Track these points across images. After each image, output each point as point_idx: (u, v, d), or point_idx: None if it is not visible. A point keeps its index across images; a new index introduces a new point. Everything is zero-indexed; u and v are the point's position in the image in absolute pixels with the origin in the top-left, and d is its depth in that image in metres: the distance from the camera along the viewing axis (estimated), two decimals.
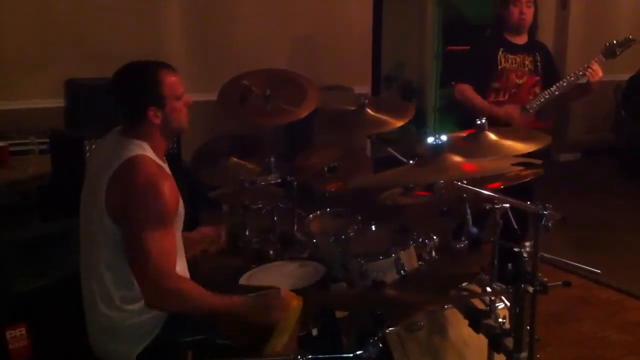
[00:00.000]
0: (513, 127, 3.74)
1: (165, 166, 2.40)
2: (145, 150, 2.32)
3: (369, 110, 3.29)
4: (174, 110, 2.37)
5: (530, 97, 3.93)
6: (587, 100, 7.85)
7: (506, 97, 3.94)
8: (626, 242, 5.31)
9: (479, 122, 2.72)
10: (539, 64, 4.00)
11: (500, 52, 3.93)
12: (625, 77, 7.80)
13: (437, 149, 2.28)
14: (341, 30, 6.68)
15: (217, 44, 6.00)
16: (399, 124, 3.25)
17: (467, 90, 3.94)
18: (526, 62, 3.97)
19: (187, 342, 2.30)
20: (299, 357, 2.11)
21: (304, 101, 3.49)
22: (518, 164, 2.41)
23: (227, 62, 5.58)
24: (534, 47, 4.05)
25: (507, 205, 2.27)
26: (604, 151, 7.98)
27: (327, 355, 2.29)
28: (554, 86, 3.87)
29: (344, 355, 2.42)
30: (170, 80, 2.35)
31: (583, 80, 3.86)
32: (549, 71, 4.07)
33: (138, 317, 2.28)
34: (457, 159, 2.24)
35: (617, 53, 3.87)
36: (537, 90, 3.95)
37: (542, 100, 3.88)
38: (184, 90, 2.42)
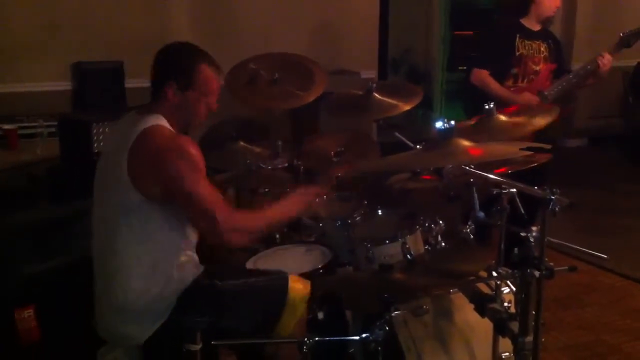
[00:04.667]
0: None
1: None
2: (160, 121, 2.33)
3: (377, 95, 3.29)
4: (195, 101, 2.37)
5: (548, 84, 3.93)
6: (594, 86, 7.89)
7: (524, 82, 3.93)
8: (633, 228, 5.31)
9: (487, 106, 2.72)
10: (552, 51, 4.00)
11: (517, 38, 3.92)
12: (633, 63, 7.77)
13: (445, 133, 2.28)
14: (348, 15, 6.65)
15: (224, 28, 5.99)
16: (407, 107, 3.24)
17: (485, 77, 3.92)
18: (541, 49, 3.96)
19: (196, 325, 2.32)
20: (306, 339, 2.13)
21: (311, 85, 3.48)
22: (526, 149, 2.40)
23: (235, 46, 5.57)
24: (547, 35, 4.05)
25: (515, 190, 2.27)
26: (611, 137, 7.95)
27: (333, 338, 2.31)
28: (571, 74, 3.89)
29: (350, 337, 2.45)
30: (208, 74, 2.37)
31: (593, 68, 3.86)
32: (559, 61, 4.07)
33: (153, 298, 2.30)
34: (465, 143, 2.24)
35: (632, 44, 3.88)
36: (553, 77, 3.96)
37: (560, 87, 3.89)
38: (217, 98, 2.43)
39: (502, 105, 3.70)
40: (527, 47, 3.92)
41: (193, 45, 2.45)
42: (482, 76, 3.93)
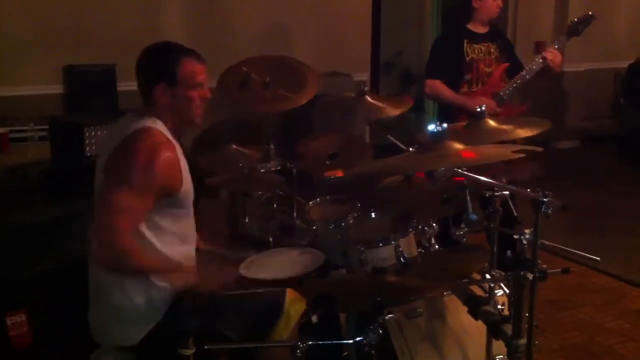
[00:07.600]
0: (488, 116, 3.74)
1: (177, 145, 2.39)
2: (155, 124, 2.33)
3: (369, 98, 3.29)
4: (185, 97, 2.35)
5: (503, 84, 3.93)
6: (585, 87, 7.90)
7: (479, 86, 3.94)
8: (625, 229, 5.33)
9: (478, 109, 2.72)
10: (503, 51, 4.01)
11: (465, 44, 3.93)
12: (624, 64, 7.80)
13: (438, 136, 2.27)
14: (341, 17, 6.66)
15: (216, 30, 5.98)
16: (398, 111, 3.25)
17: (437, 86, 3.93)
18: (491, 50, 3.98)
19: (189, 329, 2.31)
20: (299, 343, 2.12)
21: (303, 88, 3.49)
22: (519, 151, 2.40)
23: (227, 48, 5.57)
24: (495, 35, 4.06)
25: (507, 192, 2.27)
26: (603, 138, 7.98)
27: (327, 342, 2.30)
28: (524, 71, 3.89)
29: (344, 341, 2.44)
30: (191, 66, 2.35)
31: (546, 64, 3.86)
32: (511, 58, 4.07)
33: (146, 300, 2.30)
34: (458, 146, 2.24)
35: (580, 31, 3.89)
36: (507, 77, 3.97)
37: (515, 85, 3.89)
38: (205, 85, 2.41)
39: (458, 111, 3.74)
40: (476, 51, 3.93)
41: (170, 42, 2.44)
42: (435, 86, 3.93)
